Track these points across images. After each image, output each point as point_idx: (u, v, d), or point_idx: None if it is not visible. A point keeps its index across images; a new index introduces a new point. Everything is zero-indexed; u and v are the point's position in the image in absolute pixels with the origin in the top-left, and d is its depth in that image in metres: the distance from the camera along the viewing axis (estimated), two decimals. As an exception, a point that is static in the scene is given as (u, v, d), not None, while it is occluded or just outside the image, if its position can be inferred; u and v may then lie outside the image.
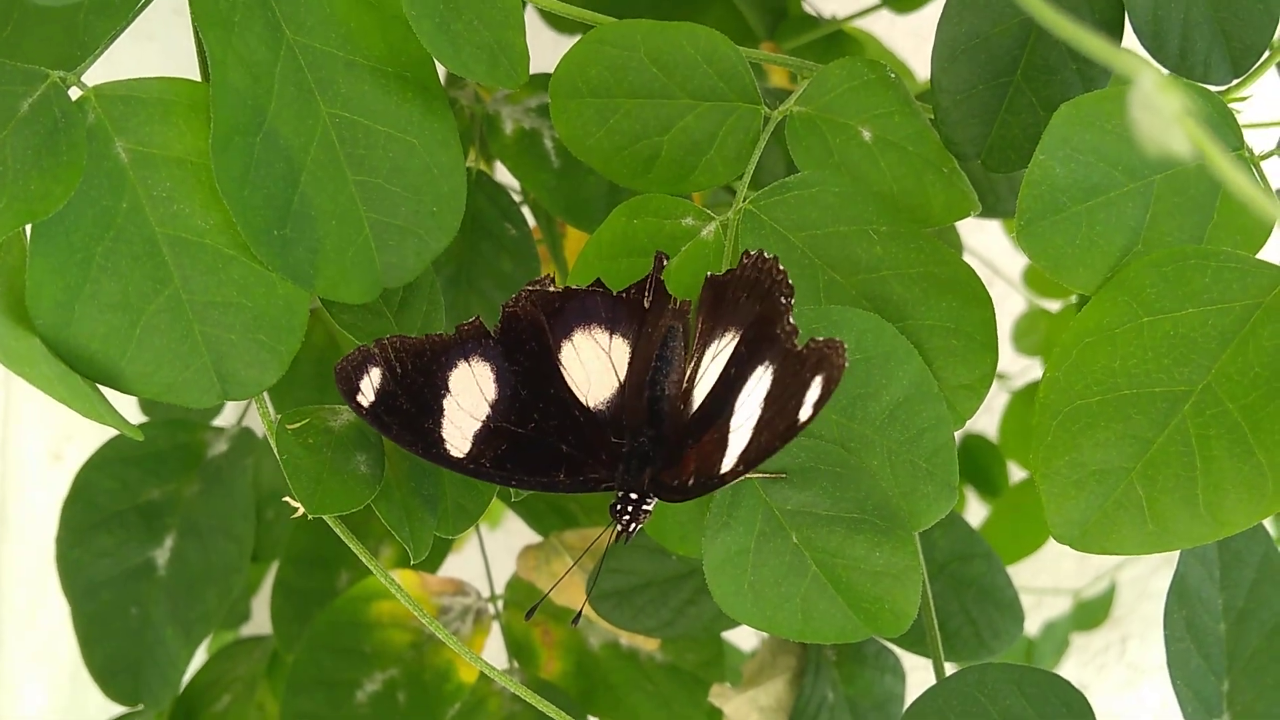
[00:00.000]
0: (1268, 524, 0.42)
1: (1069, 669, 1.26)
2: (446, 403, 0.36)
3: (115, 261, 0.33)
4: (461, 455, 0.35)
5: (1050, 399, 0.35)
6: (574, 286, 0.37)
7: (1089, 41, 0.19)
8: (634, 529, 0.35)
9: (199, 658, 0.65)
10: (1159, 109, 0.17)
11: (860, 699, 0.51)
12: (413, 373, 0.35)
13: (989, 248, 0.94)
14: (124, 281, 0.33)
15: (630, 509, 0.34)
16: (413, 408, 0.35)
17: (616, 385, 0.37)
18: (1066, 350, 0.35)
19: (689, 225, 0.38)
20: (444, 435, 0.35)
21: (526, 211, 0.56)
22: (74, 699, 0.90)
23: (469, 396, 0.36)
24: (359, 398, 0.35)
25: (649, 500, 0.35)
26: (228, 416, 0.61)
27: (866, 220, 0.37)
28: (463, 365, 0.36)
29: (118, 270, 0.33)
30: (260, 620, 0.74)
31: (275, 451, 0.35)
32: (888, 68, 0.39)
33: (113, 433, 0.55)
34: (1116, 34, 0.39)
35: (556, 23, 0.70)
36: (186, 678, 0.63)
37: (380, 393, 0.35)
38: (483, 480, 0.36)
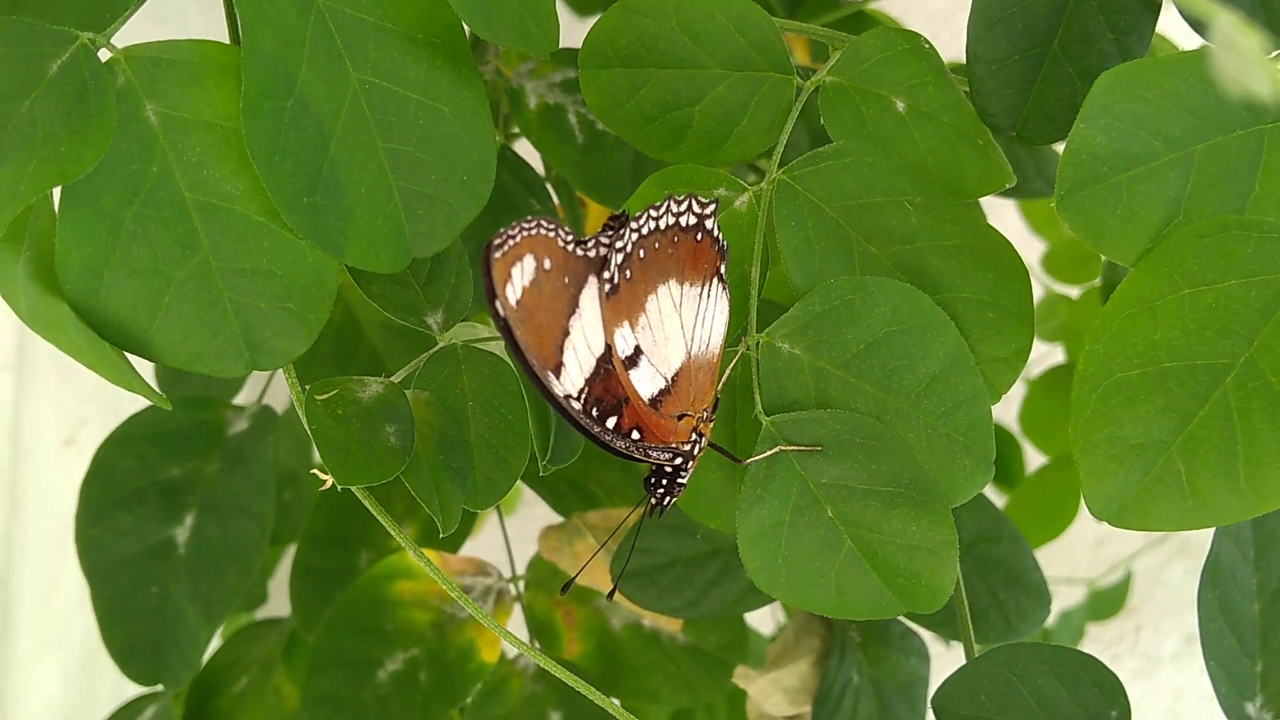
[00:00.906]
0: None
1: (1082, 659, 1.26)
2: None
3: (145, 226, 0.32)
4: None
5: (1089, 372, 0.34)
6: None
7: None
8: (668, 503, 0.34)
9: (214, 641, 0.65)
10: (1240, 48, 0.16)
11: (885, 681, 0.51)
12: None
13: (1007, 232, 0.93)
14: (153, 247, 0.32)
15: (665, 482, 0.34)
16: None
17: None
18: (1106, 323, 0.34)
19: (722, 196, 0.38)
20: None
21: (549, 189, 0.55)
22: (87, 684, 0.90)
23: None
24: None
25: (683, 474, 0.34)
26: (248, 394, 0.60)
27: (901, 191, 0.37)
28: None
29: (147, 236, 0.32)
30: (276, 603, 0.74)
31: (304, 422, 0.34)
32: (921, 38, 0.39)
33: (127, 414, 0.55)
34: (1155, 2, 0.38)
35: (575, 4, 0.70)
36: (203, 660, 0.63)
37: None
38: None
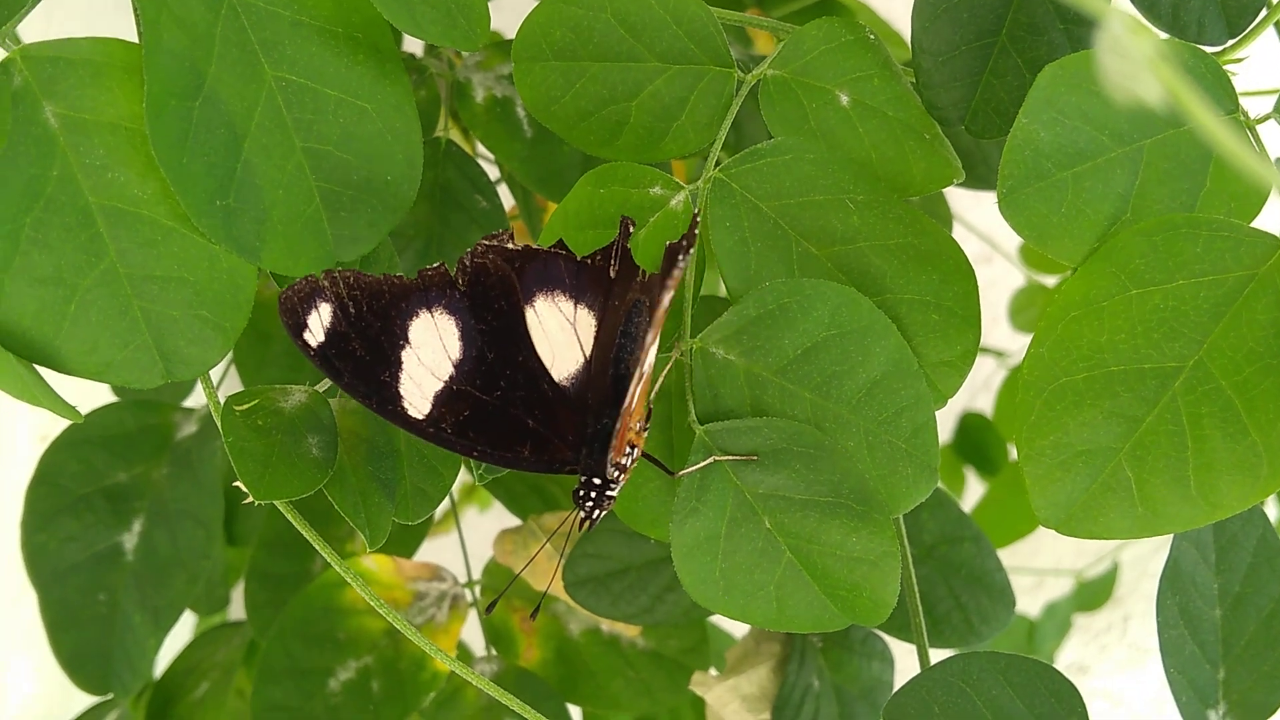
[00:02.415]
0: (1272, 503, 0.40)
1: (1071, 649, 1.25)
2: (405, 355, 0.33)
3: (46, 233, 0.31)
4: (420, 416, 0.33)
5: (1034, 376, 0.33)
6: (535, 246, 0.35)
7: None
8: (597, 516, 0.33)
9: (180, 642, 0.64)
10: (1129, 53, 0.15)
11: (847, 686, 0.50)
12: (368, 315, 0.33)
13: (988, 222, 0.92)
14: (56, 255, 0.31)
15: (594, 495, 0.33)
16: (367, 355, 0.33)
17: (582, 360, 0.35)
18: (1051, 325, 0.33)
19: (657, 194, 0.36)
20: (401, 391, 0.33)
21: (505, 188, 0.54)
22: (62, 684, 0.89)
23: (430, 351, 0.33)
24: (306, 335, 0.32)
25: (613, 486, 0.33)
26: (198, 397, 0.59)
27: (843, 189, 0.35)
28: (424, 315, 0.33)
29: (49, 242, 0.31)
30: (242, 605, 0.72)
31: (220, 433, 0.33)
32: (867, 28, 0.37)
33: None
34: (1106, -8, 0.37)
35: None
36: (164, 664, 0.62)
37: (330, 333, 0.32)
38: (441, 446, 0.34)
